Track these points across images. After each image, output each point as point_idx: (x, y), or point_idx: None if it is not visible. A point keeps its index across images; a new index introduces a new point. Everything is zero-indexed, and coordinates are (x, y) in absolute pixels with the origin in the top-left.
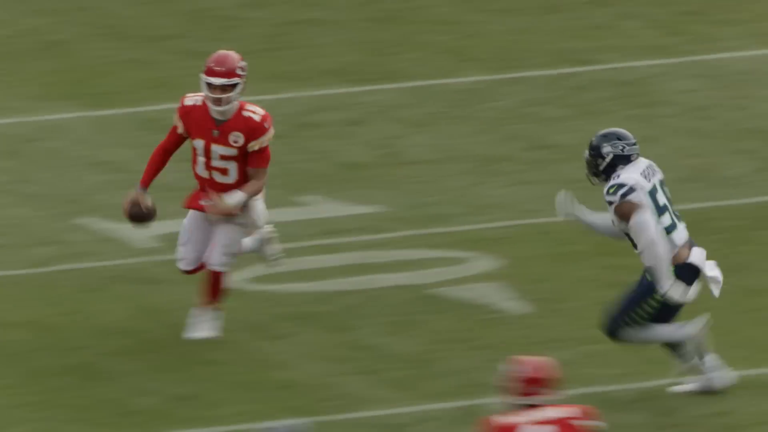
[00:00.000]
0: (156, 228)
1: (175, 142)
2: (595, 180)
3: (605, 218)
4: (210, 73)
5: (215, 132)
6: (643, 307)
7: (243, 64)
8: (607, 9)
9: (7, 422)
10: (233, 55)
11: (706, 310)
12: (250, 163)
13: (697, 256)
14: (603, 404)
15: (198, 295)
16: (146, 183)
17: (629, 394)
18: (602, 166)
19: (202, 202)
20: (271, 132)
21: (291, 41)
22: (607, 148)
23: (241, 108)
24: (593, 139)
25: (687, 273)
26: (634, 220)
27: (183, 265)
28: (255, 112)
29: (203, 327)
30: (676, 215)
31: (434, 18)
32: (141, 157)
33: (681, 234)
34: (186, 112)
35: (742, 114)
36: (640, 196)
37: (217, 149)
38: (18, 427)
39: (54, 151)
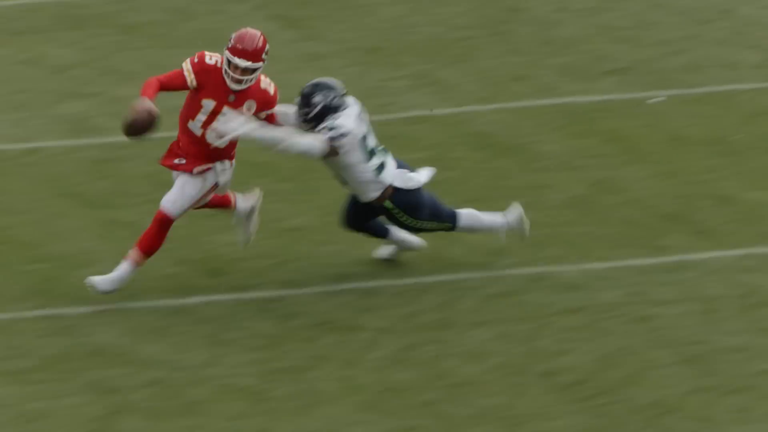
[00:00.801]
0: None
1: (176, 87)
2: (305, 126)
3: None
4: (236, 53)
5: (231, 97)
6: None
7: (267, 47)
8: None
9: None
10: (259, 38)
11: None
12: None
13: (401, 178)
14: None
15: None
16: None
17: None
18: (311, 115)
19: (177, 161)
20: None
21: None
22: (317, 98)
23: (258, 79)
24: (305, 87)
25: (406, 197)
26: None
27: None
28: (270, 84)
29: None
30: (384, 152)
31: None
32: None
33: (390, 171)
34: (205, 71)
35: None
36: (350, 142)
37: (228, 112)
38: None
39: None
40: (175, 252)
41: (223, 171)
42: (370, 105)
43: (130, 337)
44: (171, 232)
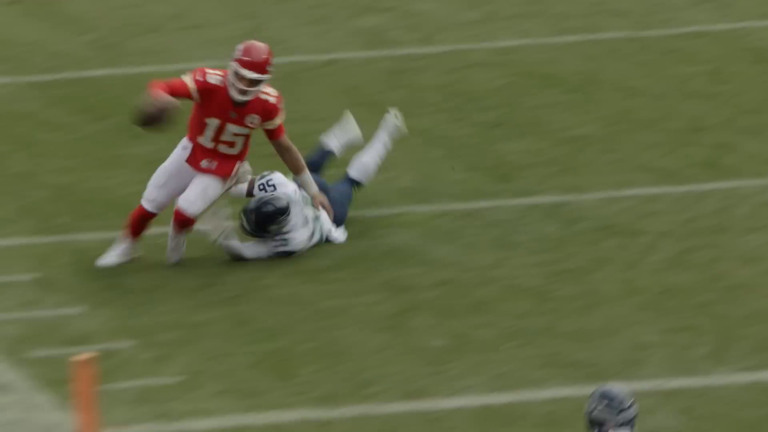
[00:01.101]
0: None
1: (179, 96)
2: (261, 234)
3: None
4: (244, 64)
5: (233, 114)
6: None
7: (272, 59)
8: None
9: None
10: (266, 50)
11: None
12: (270, 137)
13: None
14: None
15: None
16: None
17: None
18: (273, 232)
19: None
20: (283, 113)
21: None
22: (272, 228)
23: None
24: (259, 215)
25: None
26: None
27: (150, 207)
28: (270, 94)
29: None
30: (316, 220)
31: None
32: None
33: (325, 233)
34: (208, 90)
35: None
36: (300, 247)
37: (231, 128)
38: None
39: None
40: (465, 159)
41: (245, 172)
42: (652, 20)
43: (423, 239)
44: (457, 141)
